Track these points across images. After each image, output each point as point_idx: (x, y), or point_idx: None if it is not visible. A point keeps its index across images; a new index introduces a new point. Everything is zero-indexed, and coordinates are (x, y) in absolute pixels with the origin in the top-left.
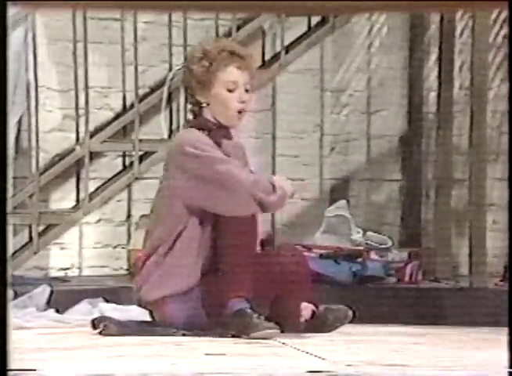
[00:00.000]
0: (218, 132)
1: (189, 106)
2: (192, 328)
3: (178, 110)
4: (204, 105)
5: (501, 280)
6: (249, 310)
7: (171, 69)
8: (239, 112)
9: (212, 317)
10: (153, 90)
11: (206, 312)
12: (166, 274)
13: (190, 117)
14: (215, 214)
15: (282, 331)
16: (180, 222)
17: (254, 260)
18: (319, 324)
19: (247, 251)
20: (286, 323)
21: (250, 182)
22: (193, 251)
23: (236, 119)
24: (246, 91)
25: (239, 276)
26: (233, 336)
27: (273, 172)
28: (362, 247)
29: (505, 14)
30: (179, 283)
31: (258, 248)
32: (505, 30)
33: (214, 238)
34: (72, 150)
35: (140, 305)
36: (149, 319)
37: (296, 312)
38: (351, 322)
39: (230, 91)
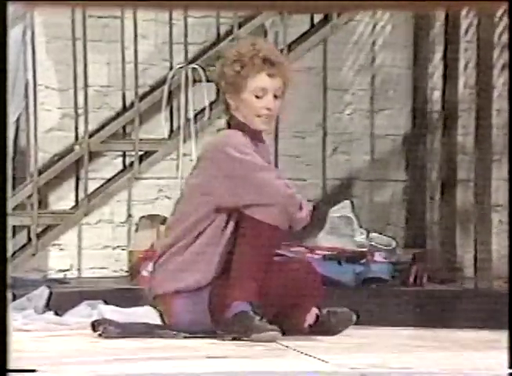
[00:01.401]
0: (251, 133)
1: (223, 107)
2: (197, 328)
3: (178, 109)
4: (234, 105)
5: (506, 282)
6: (251, 312)
7: (171, 67)
8: (266, 117)
9: (215, 319)
10: (153, 89)
11: (211, 316)
12: (181, 269)
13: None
14: (240, 216)
15: (283, 334)
16: (206, 220)
17: (267, 268)
18: (322, 328)
19: (263, 258)
20: (289, 326)
21: (287, 195)
22: (211, 251)
23: (261, 124)
24: (276, 96)
25: (248, 281)
26: (234, 338)
27: None
28: (365, 249)
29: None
30: (192, 280)
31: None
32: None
33: (233, 241)
34: (71, 150)
35: (148, 301)
36: (149, 321)
37: (301, 320)
38: (354, 324)
39: (258, 97)
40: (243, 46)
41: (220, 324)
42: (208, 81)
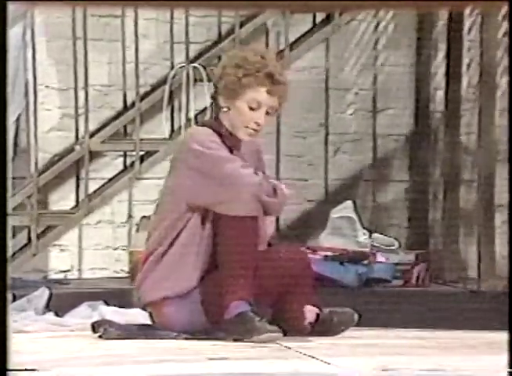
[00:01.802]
0: (228, 138)
1: (210, 101)
2: (193, 331)
3: (179, 109)
4: (225, 109)
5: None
6: (251, 313)
7: (172, 67)
8: (252, 130)
9: (213, 320)
10: (154, 88)
11: (206, 314)
12: (164, 274)
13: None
14: (216, 213)
15: (285, 335)
16: (180, 221)
17: (255, 260)
18: (324, 328)
19: (247, 251)
20: (290, 326)
21: (255, 182)
22: (192, 252)
23: (245, 135)
24: (268, 113)
25: (240, 278)
26: (235, 340)
27: (277, 173)
28: (368, 249)
29: None
30: (178, 285)
31: (262, 248)
32: None
33: (213, 239)
34: (71, 150)
35: (139, 307)
36: (149, 322)
37: (299, 314)
38: (356, 325)
39: (252, 109)
40: (252, 55)
41: (219, 325)
42: (209, 80)
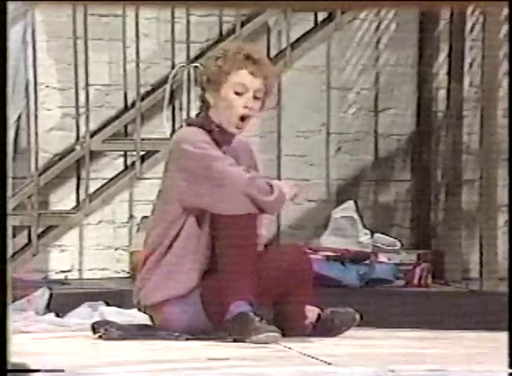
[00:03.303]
0: (219, 135)
1: (198, 104)
2: (194, 332)
3: (180, 109)
4: (212, 104)
5: None
6: (251, 313)
7: (173, 66)
8: (242, 118)
9: (214, 320)
10: (155, 88)
11: (207, 315)
12: (164, 277)
13: (193, 115)
14: (213, 213)
15: (283, 335)
16: (177, 222)
17: (254, 260)
18: (325, 328)
19: (246, 251)
20: (292, 326)
21: (245, 179)
22: (191, 253)
23: (236, 125)
24: (256, 98)
25: (240, 278)
26: (235, 340)
27: (278, 173)
28: (369, 250)
29: None
30: (178, 286)
31: (260, 249)
32: None
33: (212, 239)
34: (72, 150)
35: (140, 310)
36: (150, 323)
37: (300, 314)
38: (358, 325)
39: (238, 94)
40: (230, 45)
41: (220, 326)
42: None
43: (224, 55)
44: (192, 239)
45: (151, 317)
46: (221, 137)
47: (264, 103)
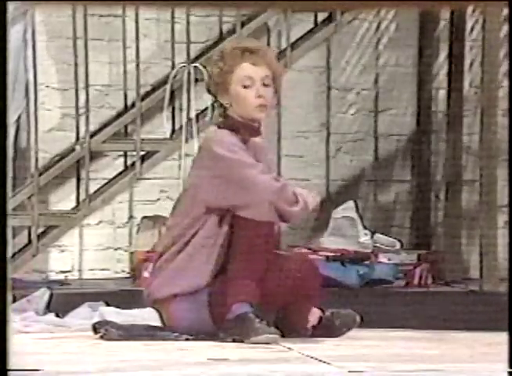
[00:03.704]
0: (246, 130)
1: (216, 111)
2: (198, 331)
3: (180, 109)
4: (228, 105)
5: None
6: (251, 314)
7: (173, 67)
8: (260, 106)
9: (217, 321)
10: (155, 88)
11: (212, 316)
12: (176, 272)
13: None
14: (233, 217)
15: (283, 336)
16: (198, 221)
17: (265, 265)
18: (326, 329)
19: (259, 256)
20: (293, 330)
21: (275, 188)
22: (206, 252)
23: (257, 113)
24: (265, 85)
25: (246, 280)
26: (234, 340)
27: (278, 173)
28: (369, 250)
29: None
30: (188, 283)
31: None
32: None
33: (228, 242)
34: (72, 150)
35: (148, 304)
36: (150, 323)
37: (303, 320)
38: (358, 326)
39: (246, 87)
40: (224, 45)
41: (221, 326)
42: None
43: (221, 56)
44: (210, 238)
45: (159, 312)
46: (246, 133)
47: (277, 89)
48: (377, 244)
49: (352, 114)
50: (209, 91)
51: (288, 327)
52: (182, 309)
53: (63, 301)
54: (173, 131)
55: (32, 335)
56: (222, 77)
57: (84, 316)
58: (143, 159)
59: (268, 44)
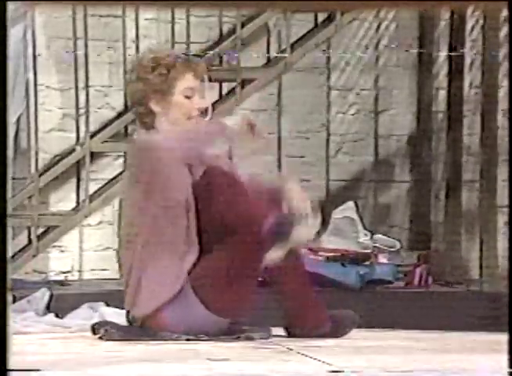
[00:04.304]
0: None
1: (138, 118)
2: (195, 332)
3: None
4: (160, 113)
5: None
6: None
7: None
8: (195, 118)
9: (212, 308)
10: None
11: (203, 302)
12: (153, 281)
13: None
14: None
15: (289, 334)
16: (154, 220)
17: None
18: (326, 330)
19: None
20: (294, 331)
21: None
22: (173, 249)
23: (191, 124)
24: (200, 96)
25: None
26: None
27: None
28: (369, 250)
29: None
30: (167, 289)
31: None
32: None
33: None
34: (72, 151)
35: (137, 325)
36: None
37: (317, 317)
38: (358, 327)
39: (188, 97)
40: (154, 53)
41: (217, 308)
42: (210, 80)
43: (160, 63)
44: (171, 234)
45: (150, 328)
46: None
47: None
48: (377, 245)
49: (352, 115)
50: (135, 98)
51: (288, 327)
52: (172, 317)
53: (63, 301)
54: None
55: (32, 336)
56: (165, 85)
57: (84, 316)
58: None
59: (268, 44)
